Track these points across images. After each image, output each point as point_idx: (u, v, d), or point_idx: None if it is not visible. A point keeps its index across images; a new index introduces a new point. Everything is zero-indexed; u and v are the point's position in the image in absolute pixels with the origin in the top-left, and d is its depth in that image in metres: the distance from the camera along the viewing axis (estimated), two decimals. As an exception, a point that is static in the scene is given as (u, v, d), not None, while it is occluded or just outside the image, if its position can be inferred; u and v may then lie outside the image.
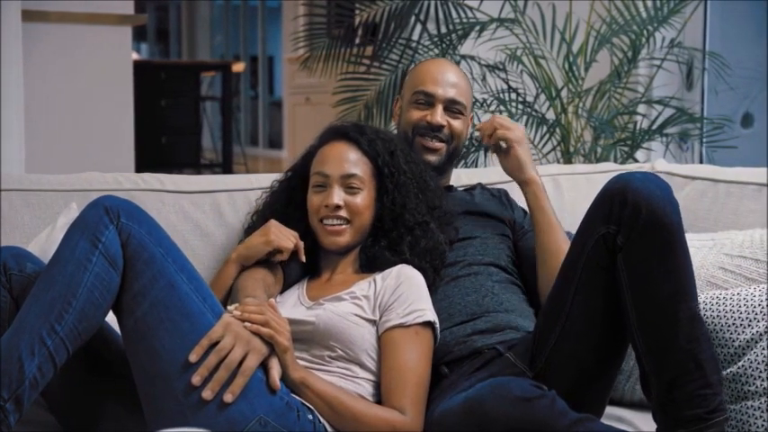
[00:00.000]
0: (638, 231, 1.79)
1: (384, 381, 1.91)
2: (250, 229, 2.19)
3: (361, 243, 2.09)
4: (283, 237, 2.03)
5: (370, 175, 2.08)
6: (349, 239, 2.06)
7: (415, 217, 2.08)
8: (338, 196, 2.04)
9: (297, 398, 1.81)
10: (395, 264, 2.03)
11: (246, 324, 1.77)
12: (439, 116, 2.28)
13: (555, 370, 1.90)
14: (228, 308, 1.82)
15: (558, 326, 1.90)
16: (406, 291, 1.96)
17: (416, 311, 1.94)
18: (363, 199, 2.06)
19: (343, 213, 2.04)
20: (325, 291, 2.03)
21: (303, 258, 2.07)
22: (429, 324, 1.96)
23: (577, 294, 1.88)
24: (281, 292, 2.08)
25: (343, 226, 2.05)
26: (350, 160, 2.07)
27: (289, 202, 2.15)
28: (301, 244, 2.06)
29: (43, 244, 2.07)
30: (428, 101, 2.29)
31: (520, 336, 2.07)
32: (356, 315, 1.95)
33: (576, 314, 1.88)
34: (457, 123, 2.30)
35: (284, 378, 1.80)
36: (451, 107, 2.30)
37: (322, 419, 1.82)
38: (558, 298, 1.91)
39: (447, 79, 2.31)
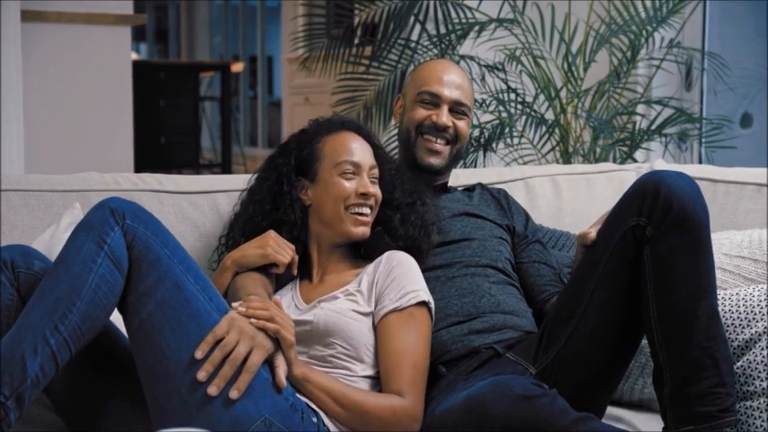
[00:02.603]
0: (667, 225, 1.81)
1: (382, 366, 1.92)
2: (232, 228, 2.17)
3: None
4: (281, 251, 2.03)
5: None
6: (369, 229, 2.08)
7: (403, 198, 2.11)
8: (372, 186, 2.07)
9: (302, 399, 1.81)
10: (388, 248, 2.04)
11: (252, 320, 1.77)
12: (445, 117, 2.28)
13: (562, 368, 1.90)
14: (233, 304, 1.81)
15: (572, 322, 1.90)
16: (399, 274, 1.97)
17: (410, 293, 1.95)
18: (379, 190, 2.10)
19: (371, 202, 2.07)
20: (320, 292, 2.03)
21: (295, 272, 2.07)
22: (424, 304, 1.97)
23: (597, 288, 1.89)
24: (273, 293, 2.08)
25: (370, 216, 2.07)
26: (370, 151, 2.11)
27: (276, 206, 2.10)
28: (296, 258, 2.06)
29: (47, 243, 2.07)
30: (434, 101, 2.29)
31: (518, 335, 2.07)
32: (354, 311, 1.95)
33: (593, 310, 1.89)
34: (461, 124, 2.30)
35: (287, 375, 1.80)
36: (456, 108, 2.30)
37: (326, 421, 1.83)
38: (576, 293, 1.92)
39: (452, 80, 2.30)
